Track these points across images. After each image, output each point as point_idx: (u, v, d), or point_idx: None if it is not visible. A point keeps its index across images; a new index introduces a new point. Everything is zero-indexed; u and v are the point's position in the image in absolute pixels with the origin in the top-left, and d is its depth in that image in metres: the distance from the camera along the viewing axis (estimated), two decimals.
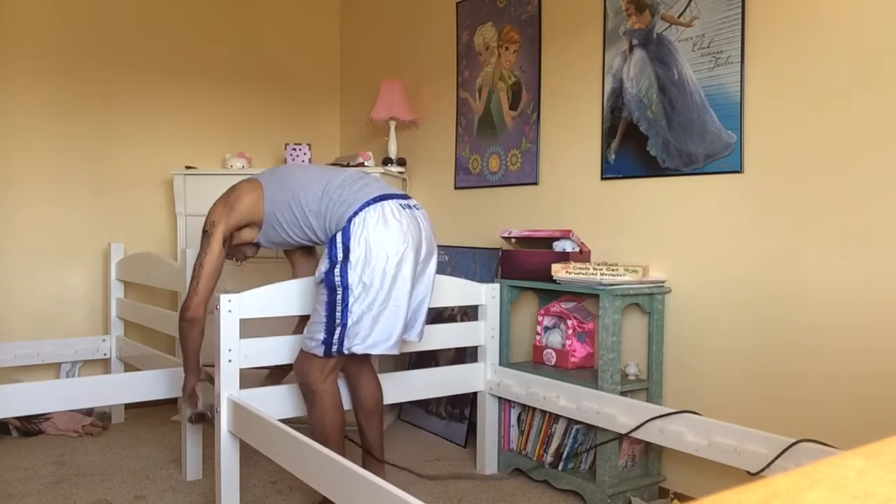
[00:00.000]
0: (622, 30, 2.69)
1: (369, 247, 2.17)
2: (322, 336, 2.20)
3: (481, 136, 3.37)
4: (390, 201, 2.24)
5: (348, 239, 2.18)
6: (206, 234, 2.35)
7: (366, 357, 2.46)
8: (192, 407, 2.51)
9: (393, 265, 2.18)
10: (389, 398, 2.62)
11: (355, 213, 2.19)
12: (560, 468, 2.64)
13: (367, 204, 2.21)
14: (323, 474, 1.70)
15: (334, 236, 2.21)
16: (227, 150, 4.07)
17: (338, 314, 2.19)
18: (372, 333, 2.20)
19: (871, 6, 2.01)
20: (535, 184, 3.08)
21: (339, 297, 2.18)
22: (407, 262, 2.21)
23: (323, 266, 2.21)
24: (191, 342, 2.35)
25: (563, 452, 2.65)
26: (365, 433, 2.50)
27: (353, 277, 2.17)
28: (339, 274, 2.18)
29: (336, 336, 2.19)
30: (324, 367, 2.25)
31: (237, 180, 3.47)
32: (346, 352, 2.21)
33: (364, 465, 2.51)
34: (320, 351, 2.21)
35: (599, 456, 2.47)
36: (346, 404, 2.46)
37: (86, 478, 2.77)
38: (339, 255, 2.18)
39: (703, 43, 2.41)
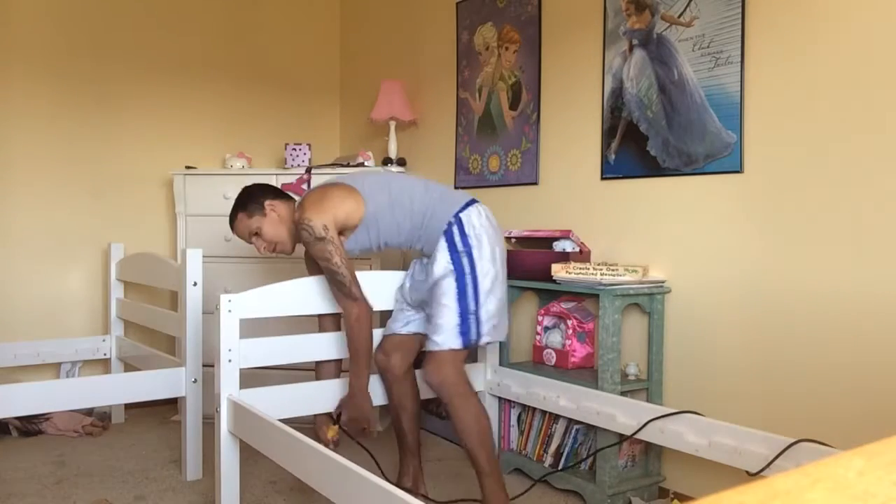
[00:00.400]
0: (622, 30, 2.69)
1: (489, 239, 2.27)
2: (459, 327, 2.19)
3: (481, 136, 3.37)
4: (484, 206, 2.38)
5: (463, 229, 2.26)
6: (324, 239, 2.21)
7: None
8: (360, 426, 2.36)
9: (500, 261, 2.30)
10: None
11: (462, 209, 2.29)
12: (560, 468, 2.64)
13: (469, 204, 2.32)
14: (323, 474, 1.70)
15: (450, 230, 2.26)
16: (227, 150, 4.07)
17: (470, 302, 2.21)
18: (500, 322, 2.28)
19: (872, 6, 2.01)
20: (535, 184, 3.08)
21: (469, 284, 2.21)
22: (503, 262, 2.34)
23: (445, 259, 2.24)
24: (367, 339, 2.30)
25: (563, 452, 2.65)
26: (409, 436, 2.53)
27: (481, 265, 2.23)
28: (467, 263, 2.23)
29: (473, 324, 2.21)
30: (460, 361, 2.23)
31: (237, 180, 3.49)
32: (481, 341, 2.24)
33: (404, 469, 2.54)
34: (460, 342, 2.19)
35: (599, 456, 2.47)
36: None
37: (86, 478, 2.77)
38: (461, 246, 2.24)
39: (703, 43, 2.41)
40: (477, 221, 2.28)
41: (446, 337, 2.19)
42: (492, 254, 2.27)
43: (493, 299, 2.25)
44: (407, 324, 2.48)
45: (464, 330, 2.19)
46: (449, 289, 2.21)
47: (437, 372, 2.19)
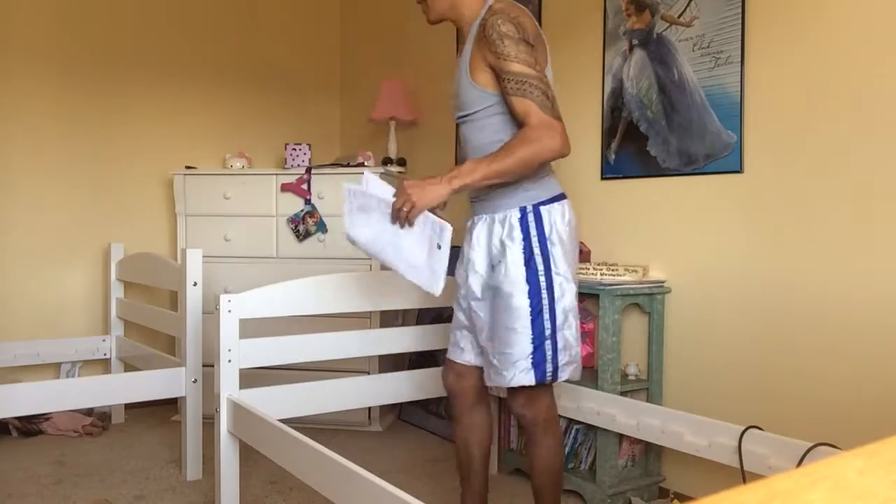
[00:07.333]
0: (622, 30, 2.69)
1: (571, 248, 1.92)
2: (532, 357, 1.88)
3: None
4: (571, 206, 2.01)
5: (542, 225, 1.87)
6: (527, 43, 1.81)
7: None
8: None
9: (575, 278, 1.97)
10: (389, 398, 2.62)
11: (546, 202, 1.90)
12: None
13: (557, 199, 1.94)
14: (323, 474, 1.70)
15: (525, 220, 1.87)
16: (227, 150, 4.07)
17: (546, 322, 1.88)
18: (577, 354, 1.95)
19: (872, 6, 2.01)
20: None
21: (545, 300, 1.87)
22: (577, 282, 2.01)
23: (517, 261, 1.86)
24: (535, 161, 1.79)
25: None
26: (475, 479, 2.13)
27: (558, 278, 1.88)
28: (544, 271, 1.86)
29: (549, 352, 1.88)
30: (552, 389, 2.00)
31: (237, 180, 3.49)
32: (558, 377, 1.92)
33: None
34: (531, 377, 1.89)
35: (599, 456, 2.47)
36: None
37: (86, 478, 2.77)
38: (538, 246, 1.86)
39: (703, 43, 2.41)
40: (561, 225, 1.87)
41: (515, 372, 1.84)
42: (570, 266, 1.88)
43: (571, 327, 1.87)
44: (463, 352, 2.04)
45: (537, 361, 1.83)
46: (520, 305, 1.83)
47: (532, 406, 1.90)
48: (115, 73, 3.77)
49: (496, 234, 1.89)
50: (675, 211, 2.53)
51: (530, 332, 1.83)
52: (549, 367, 1.85)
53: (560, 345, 1.85)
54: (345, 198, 1.91)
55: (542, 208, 1.86)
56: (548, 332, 1.84)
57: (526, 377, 1.84)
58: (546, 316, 1.84)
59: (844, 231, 2.07)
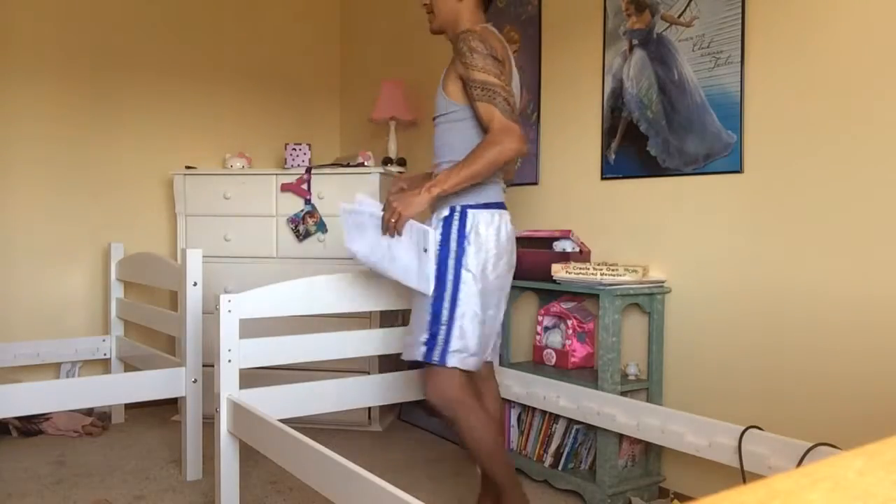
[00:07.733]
0: (622, 30, 2.69)
1: (491, 252, 2.09)
2: (426, 337, 2.06)
3: None
4: (507, 218, 2.19)
5: (464, 226, 2.06)
6: (495, 58, 2.02)
7: None
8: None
9: (494, 283, 2.13)
10: (389, 398, 2.62)
11: (477, 207, 2.09)
12: (560, 468, 2.64)
13: (491, 206, 2.14)
14: (323, 474, 1.70)
15: (450, 220, 2.06)
16: (227, 150, 4.07)
17: (444, 311, 2.06)
18: (470, 347, 2.08)
19: (872, 6, 2.01)
20: (535, 184, 3.08)
21: (447, 290, 2.05)
22: (501, 290, 2.18)
23: (433, 251, 2.05)
24: (496, 164, 1.96)
25: (563, 452, 2.65)
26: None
27: (466, 273, 2.05)
28: (453, 265, 2.05)
29: (440, 336, 2.05)
30: (457, 373, 2.09)
31: (237, 180, 3.49)
32: (446, 362, 2.05)
33: (484, 491, 2.27)
34: (420, 354, 2.06)
35: (599, 456, 2.47)
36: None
37: (86, 478, 2.77)
38: (455, 243, 2.05)
39: (703, 43, 2.41)
40: (484, 229, 2.04)
41: (411, 349, 2.04)
42: (486, 267, 2.04)
43: (471, 320, 2.02)
44: None
45: (430, 342, 2.01)
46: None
47: (434, 390, 2.03)
48: (115, 73, 3.77)
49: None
50: (675, 211, 2.53)
51: (429, 314, 2.01)
52: (437, 350, 2.01)
53: (455, 333, 2.01)
54: (342, 217, 2.16)
55: (469, 210, 2.06)
56: (444, 318, 2.01)
57: (418, 355, 2.02)
58: (446, 304, 2.01)
59: (844, 230, 2.07)
